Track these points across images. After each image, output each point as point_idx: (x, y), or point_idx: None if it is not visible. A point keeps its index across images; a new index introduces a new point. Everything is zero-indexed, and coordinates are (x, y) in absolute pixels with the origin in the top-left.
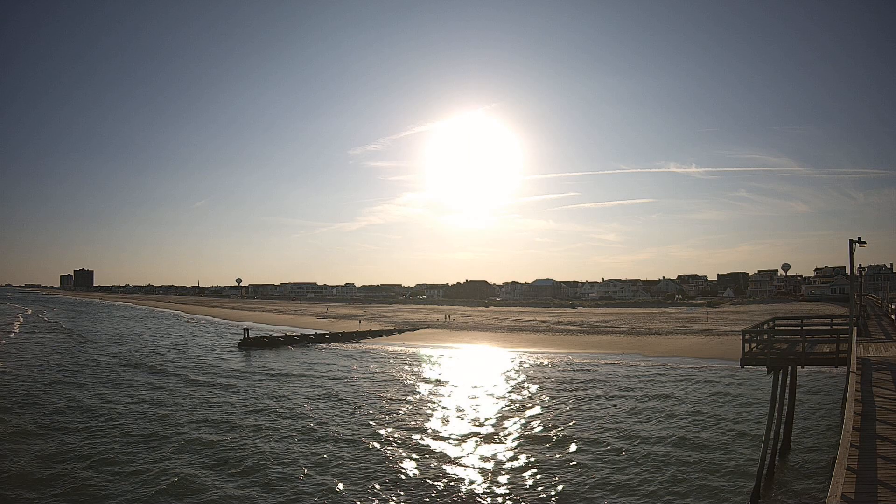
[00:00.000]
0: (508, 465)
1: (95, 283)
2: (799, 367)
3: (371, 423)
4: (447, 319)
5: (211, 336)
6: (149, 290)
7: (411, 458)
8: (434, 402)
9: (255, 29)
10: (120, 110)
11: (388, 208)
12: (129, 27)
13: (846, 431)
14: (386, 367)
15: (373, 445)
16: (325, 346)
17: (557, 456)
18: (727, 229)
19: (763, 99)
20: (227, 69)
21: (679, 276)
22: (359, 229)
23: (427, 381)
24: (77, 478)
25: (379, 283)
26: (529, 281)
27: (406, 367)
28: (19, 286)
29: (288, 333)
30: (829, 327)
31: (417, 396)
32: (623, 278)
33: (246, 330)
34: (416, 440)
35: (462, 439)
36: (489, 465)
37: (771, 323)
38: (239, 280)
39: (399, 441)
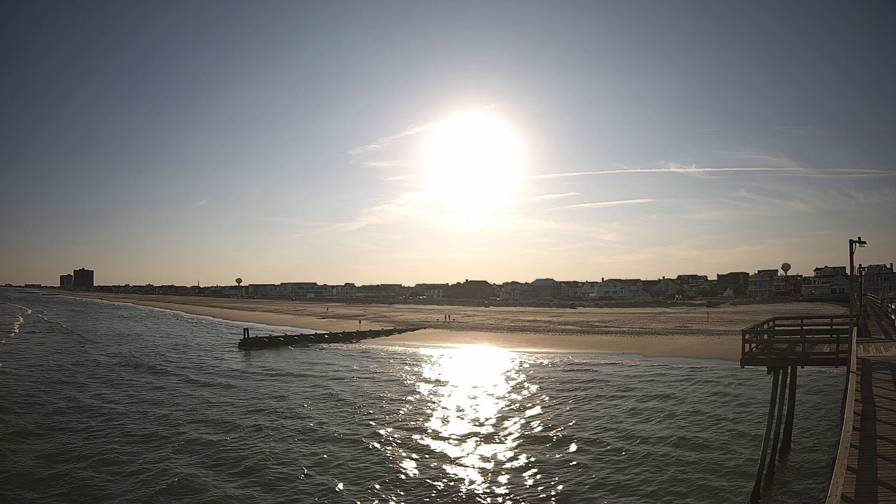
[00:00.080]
0: (508, 465)
1: (95, 283)
2: (799, 367)
3: (371, 423)
4: (447, 319)
5: (211, 336)
6: (149, 290)
7: (411, 458)
8: (434, 402)
9: (255, 29)
10: (120, 110)
11: (388, 208)
12: (129, 27)
13: (846, 431)
14: (386, 367)
15: (373, 445)
16: (325, 346)
17: (557, 456)
18: (727, 229)
19: (763, 99)
20: (227, 69)
21: (679, 276)
22: (359, 229)
23: (427, 381)
24: (77, 478)
25: (379, 283)
26: (529, 281)
27: (406, 367)
28: (19, 286)
29: (288, 333)
30: (829, 327)
31: (417, 396)
32: (623, 278)
33: (246, 330)
34: (416, 440)
35: (462, 439)
36: (489, 465)
37: (771, 323)
38: (239, 280)
39: (399, 441)
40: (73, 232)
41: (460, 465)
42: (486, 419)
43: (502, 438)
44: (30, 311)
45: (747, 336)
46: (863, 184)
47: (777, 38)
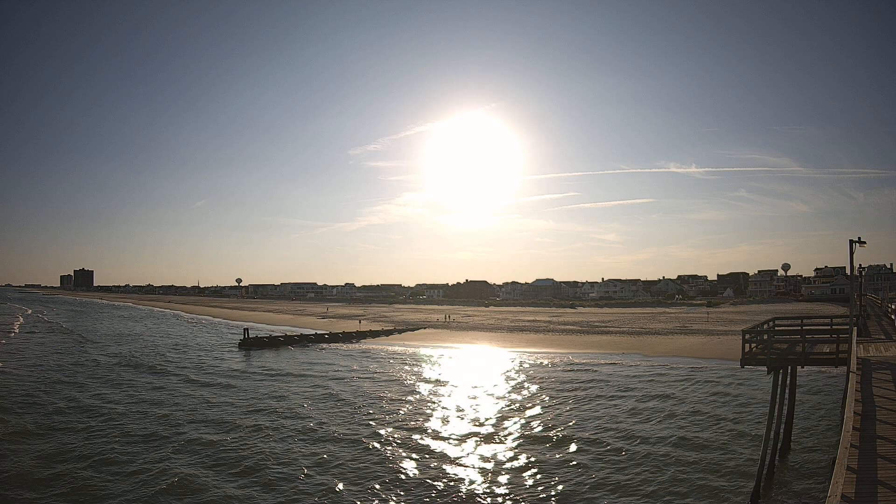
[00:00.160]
0: (508, 465)
1: (95, 283)
2: (799, 367)
3: (371, 423)
4: (447, 319)
5: (211, 336)
6: (149, 290)
7: (411, 458)
8: (434, 402)
9: (255, 29)
10: (120, 110)
11: (388, 208)
12: (129, 27)
13: (846, 431)
14: (386, 367)
15: (373, 445)
16: (325, 346)
17: (557, 456)
18: (727, 229)
19: (763, 99)
20: (227, 69)
21: (679, 276)
22: (359, 229)
23: (427, 381)
24: (77, 478)
25: (379, 283)
26: (529, 281)
27: (406, 367)
28: (19, 286)
29: (288, 333)
30: (829, 327)
31: (417, 396)
32: (623, 278)
33: (246, 330)
34: (416, 440)
35: (462, 439)
36: (489, 465)
37: (771, 323)
38: (239, 280)
39: (399, 441)
40: (73, 232)
41: (460, 465)
42: (486, 419)
43: (502, 438)
44: (30, 311)
45: (747, 336)
46: (863, 184)
47: (777, 38)
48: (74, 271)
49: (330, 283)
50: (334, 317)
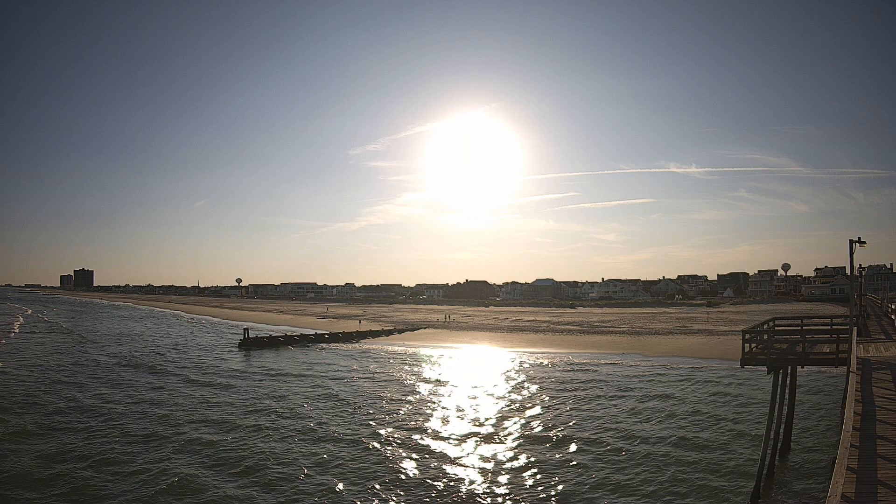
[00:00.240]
0: (508, 465)
1: (95, 283)
2: (799, 367)
3: (371, 423)
4: (447, 319)
5: (211, 336)
6: (149, 290)
7: (411, 458)
8: (434, 402)
9: (255, 29)
10: (120, 110)
11: (388, 208)
12: (129, 27)
13: (846, 431)
14: (386, 367)
15: (373, 445)
16: (325, 346)
17: (557, 456)
18: (727, 229)
19: (763, 99)
20: (227, 69)
21: (679, 276)
22: (359, 229)
23: (427, 381)
24: (77, 478)
25: (379, 283)
26: (529, 281)
27: (406, 367)
28: (19, 286)
29: (288, 333)
30: (829, 327)
31: (417, 396)
32: (623, 278)
33: (246, 330)
34: (416, 440)
35: (462, 439)
36: (489, 465)
37: (771, 323)
38: (239, 280)
39: (399, 441)
40: (73, 232)
41: (460, 465)
42: (486, 419)
43: (502, 438)
44: (30, 311)
45: (747, 336)
46: (863, 184)
47: (777, 38)
48: (74, 271)
49: (330, 283)
50: (334, 317)
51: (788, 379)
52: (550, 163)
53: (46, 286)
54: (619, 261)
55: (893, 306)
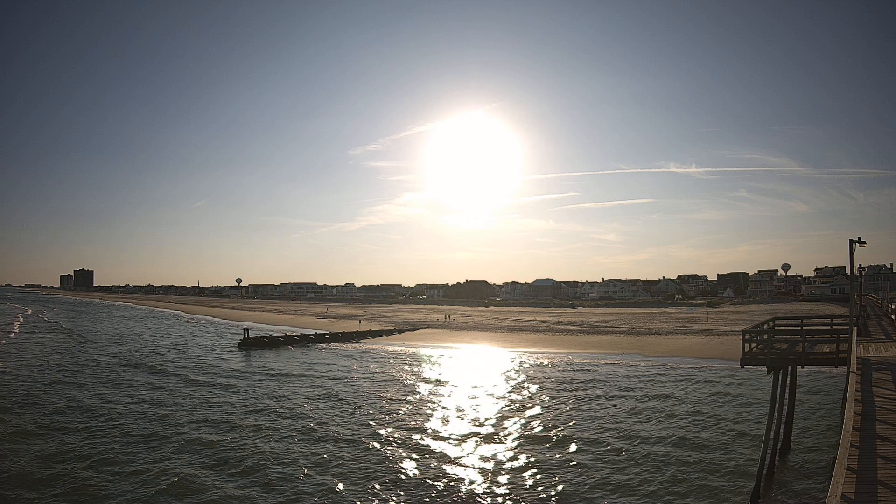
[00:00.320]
0: (508, 465)
1: (95, 283)
2: (799, 367)
3: (371, 423)
4: (447, 319)
5: (211, 336)
6: (149, 290)
7: (411, 458)
8: (434, 402)
9: (255, 29)
10: (120, 110)
11: (388, 208)
12: (129, 27)
13: (846, 431)
14: (386, 367)
15: (373, 445)
16: (325, 346)
17: (557, 456)
18: (727, 229)
19: (763, 99)
20: (228, 69)
21: (679, 276)
22: (359, 229)
23: (427, 381)
24: (77, 478)
25: (379, 283)
26: (529, 281)
27: (406, 367)
28: (19, 286)
29: (288, 333)
30: (829, 327)
31: (417, 396)
32: (623, 278)
33: (246, 330)
34: (416, 440)
35: (462, 439)
36: (489, 465)
37: (771, 323)
38: (239, 280)
39: (399, 441)
40: (73, 232)
41: (460, 465)
42: (486, 419)
43: (502, 438)
44: (30, 311)
45: (747, 336)
46: (863, 184)
47: (777, 38)
48: (74, 271)
49: (330, 283)
50: (334, 317)
51: (788, 379)
52: (550, 163)
53: (46, 286)
54: (619, 261)
55: (893, 306)
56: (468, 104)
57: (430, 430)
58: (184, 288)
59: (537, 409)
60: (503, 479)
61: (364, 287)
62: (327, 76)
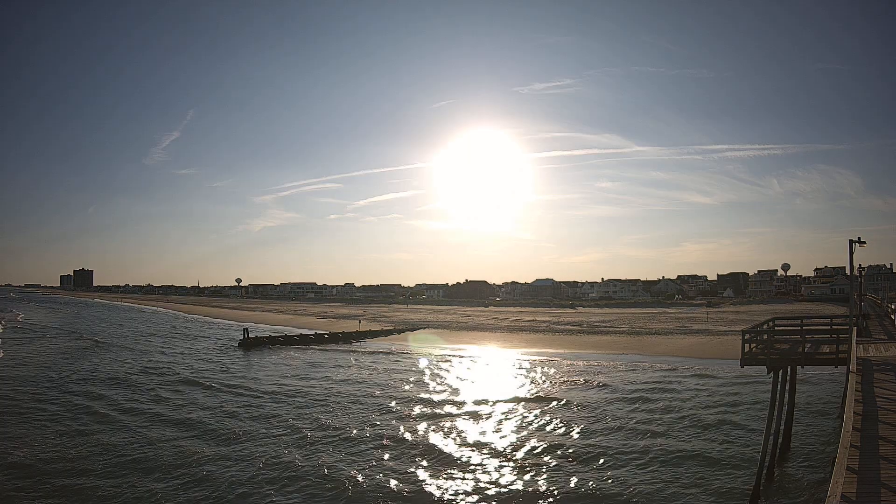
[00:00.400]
0: (508, 465)
1: (95, 283)
2: (799, 367)
3: (371, 423)
4: (447, 320)
5: (211, 336)
6: (149, 290)
7: (412, 459)
8: (433, 403)
9: (256, 30)
10: (120, 110)
11: (387, 208)
12: (129, 27)
13: (846, 431)
14: (386, 367)
15: (373, 446)
16: (324, 346)
17: (557, 456)
18: (727, 229)
19: (763, 99)
20: (228, 69)
21: (679, 276)
22: (359, 229)
23: (426, 381)
24: (77, 478)
25: (379, 284)
26: (529, 281)
27: (406, 368)
28: (19, 286)
29: (288, 333)
30: (829, 327)
31: (417, 396)
32: (623, 278)
33: (246, 330)
34: (415, 440)
35: (462, 440)
36: (489, 466)
37: (771, 323)
38: (239, 280)
39: (399, 441)
40: (74, 232)
41: (460, 465)
42: (486, 419)
43: (500, 439)
44: (29, 312)
45: (747, 336)
46: (863, 184)
47: (777, 38)
48: (74, 271)
49: (330, 283)
50: (334, 317)
51: (788, 379)
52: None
53: (46, 286)
54: (620, 260)
55: (893, 306)
56: (475, 123)
57: (429, 431)
58: (184, 288)
59: (536, 410)
60: (503, 479)
61: (364, 287)
62: (329, 80)
